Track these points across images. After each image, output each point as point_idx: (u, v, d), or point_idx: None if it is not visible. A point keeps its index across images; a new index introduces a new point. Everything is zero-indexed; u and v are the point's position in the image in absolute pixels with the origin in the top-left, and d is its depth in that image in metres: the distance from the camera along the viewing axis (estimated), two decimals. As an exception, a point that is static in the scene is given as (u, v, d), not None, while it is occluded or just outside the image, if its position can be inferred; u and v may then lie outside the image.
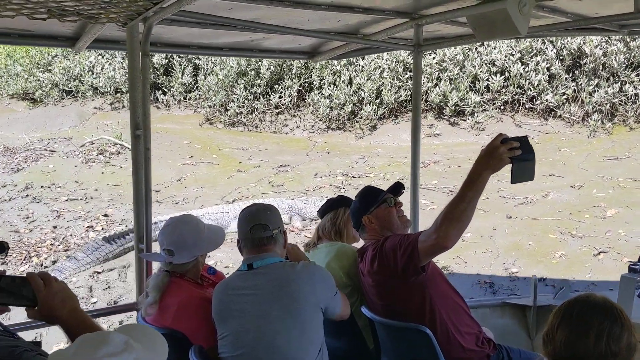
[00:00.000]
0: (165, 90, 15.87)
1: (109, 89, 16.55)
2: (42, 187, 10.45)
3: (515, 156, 2.16)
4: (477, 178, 2.21)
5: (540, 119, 12.69)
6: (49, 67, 18.15)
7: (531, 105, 12.79)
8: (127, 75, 15.20)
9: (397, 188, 2.92)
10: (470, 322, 2.70)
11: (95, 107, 16.69)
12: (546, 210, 7.89)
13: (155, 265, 3.01)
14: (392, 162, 11.13)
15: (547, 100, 12.46)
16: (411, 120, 4.19)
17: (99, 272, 6.85)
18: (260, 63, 14.36)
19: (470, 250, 7.12)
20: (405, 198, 3.12)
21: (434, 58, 13.34)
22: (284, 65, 14.41)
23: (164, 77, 16.01)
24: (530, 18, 2.95)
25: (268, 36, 3.71)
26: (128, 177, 10.88)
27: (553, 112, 12.61)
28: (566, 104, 12.40)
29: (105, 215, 8.92)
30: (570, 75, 12.66)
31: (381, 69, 13.53)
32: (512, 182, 2.24)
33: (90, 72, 17.04)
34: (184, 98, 15.58)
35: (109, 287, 6.51)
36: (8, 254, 7.39)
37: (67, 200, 9.66)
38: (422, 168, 10.42)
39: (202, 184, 10.37)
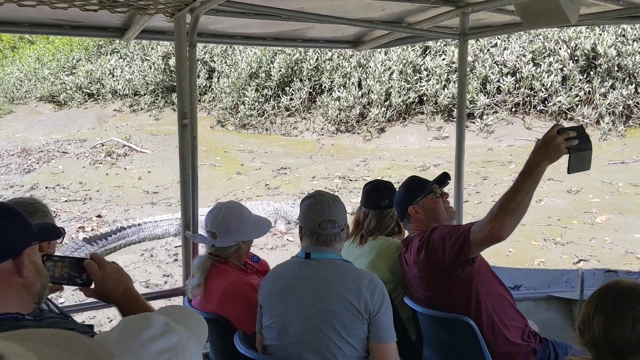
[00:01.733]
0: (181, 92, 16.06)
1: (128, 91, 16.89)
2: (46, 187, 10.72)
3: (572, 146, 2.13)
4: (534, 169, 2.19)
5: (552, 121, 12.30)
6: (74, 71, 18.65)
7: (543, 107, 12.44)
8: (145, 78, 15.50)
9: (443, 179, 2.88)
10: (516, 315, 2.66)
11: (114, 110, 17.05)
12: (536, 216, 7.63)
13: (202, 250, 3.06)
14: (392, 165, 10.98)
15: (559, 102, 12.10)
16: (456, 112, 4.13)
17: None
18: (271, 65, 14.41)
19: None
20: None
21: (443, 59, 13.12)
22: (295, 67, 14.42)
23: (180, 79, 16.21)
24: (581, 6, 2.88)
25: (312, 26, 3.71)
26: (131, 178, 11.11)
27: (565, 115, 12.23)
28: (579, 106, 12.01)
29: (99, 216, 9.07)
30: (584, 76, 12.26)
31: (390, 70, 13.38)
32: (569, 172, 2.21)
33: (111, 75, 17.42)
34: (198, 100, 15.75)
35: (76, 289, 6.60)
36: None
37: (66, 201, 9.87)
38: (421, 171, 10.30)
39: (200, 185, 10.40)
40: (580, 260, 6.33)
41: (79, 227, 8.60)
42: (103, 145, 13.07)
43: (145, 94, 16.50)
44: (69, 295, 5.93)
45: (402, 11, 3.55)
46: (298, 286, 2.29)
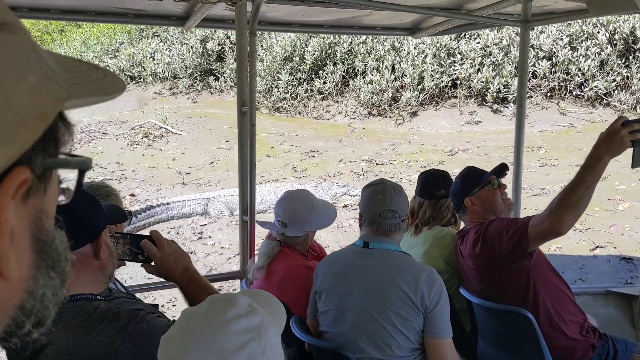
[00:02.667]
0: (218, 75, 16.38)
1: (167, 74, 17.28)
2: (86, 167, 11.15)
3: (636, 139, 2.10)
4: (596, 163, 2.15)
5: (588, 106, 12.07)
6: (117, 54, 19.17)
7: (579, 92, 12.19)
8: (184, 62, 15.82)
9: (501, 170, 2.83)
10: (575, 310, 2.62)
11: (155, 92, 17.49)
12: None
13: (261, 234, 3.20)
14: (421, 150, 10.99)
15: (596, 87, 11.84)
16: (516, 100, 4.07)
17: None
18: (305, 48, 14.52)
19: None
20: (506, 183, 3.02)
21: (478, 43, 12.98)
22: (329, 50, 14.49)
23: (217, 63, 16.52)
24: (650, -8, 2.79)
25: (370, 13, 3.67)
26: (165, 159, 11.47)
27: (602, 100, 11.97)
28: (616, 91, 11.73)
29: (132, 195, 9.44)
30: (623, 61, 11.95)
31: (424, 54, 13.31)
32: (633, 167, 2.19)
33: (151, 59, 17.84)
34: (234, 83, 16.00)
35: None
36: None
37: (102, 179, 10.27)
38: (449, 156, 10.31)
39: (230, 167, 10.69)
40: (597, 247, 6.29)
41: (113, 205, 8.98)
42: (141, 127, 13.48)
43: (183, 77, 16.86)
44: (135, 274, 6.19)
45: (462, -3, 3.43)
46: (356, 274, 2.28)
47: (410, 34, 4.32)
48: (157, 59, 17.60)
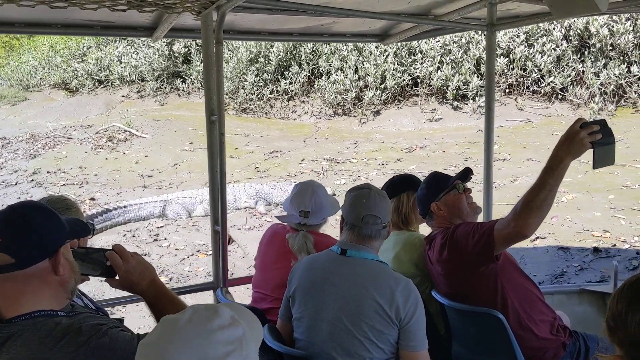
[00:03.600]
0: (185, 77, 16.44)
1: (135, 77, 17.29)
2: (48, 172, 11.18)
3: (596, 140, 2.10)
4: (558, 165, 2.15)
5: (545, 102, 12.35)
6: (84, 58, 19.12)
7: (536, 88, 12.46)
8: (151, 65, 15.85)
9: (466, 174, 2.83)
10: (544, 309, 2.61)
11: (122, 96, 17.49)
12: (506, 195, 7.79)
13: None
14: (380, 148, 11.17)
15: (552, 82, 12.12)
16: (485, 102, 4.12)
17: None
18: (270, 50, 14.64)
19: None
20: (474, 186, 3.08)
21: (437, 41, 13.20)
22: (294, 51, 14.63)
23: (184, 65, 16.57)
24: (611, -7, 2.76)
25: (338, 20, 3.70)
26: (128, 162, 11.51)
27: (558, 95, 12.25)
28: (571, 86, 12.01)
29: (92, 199, 9.49)
30: (578, 56, 12.23)
31: (387, 53, 13.50)
32: (594, 168, 2.20)
33: (118, 62, 17.83)
34: (201, 85, 16.08)
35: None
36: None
37: (63, 184, 10.31)
38: (407, 153, 10.50)
39: (193, 169, 10.79)
40: (538, 237, 6.50)
41: (72, 210, 9.02)
42: (106, 131, 13.50)
43: (150, 80, 16.89)
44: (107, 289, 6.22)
45: (428, 3, 3.52)
46: (332, 283, 2.25)
47: (380, 41, 4.38)
48: (124, 62, 17.60)
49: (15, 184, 10.60)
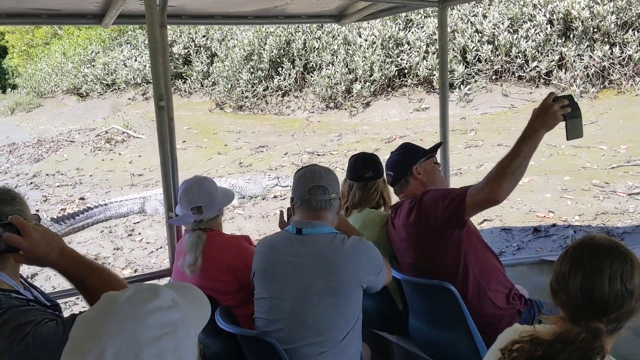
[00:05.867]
0: (186, 78, 16.89)
1: (139, 80, 17.83)
2: (47, 175, 11.73)
3: (567, 114, 2.23)
4: (532, 134, 2.27)
5: (531, 87, 12.39)
6: (93, 63, 19.76)
7: (521, 74, 12.51)
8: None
9: (437, 147, 2.97)
10: (503, 279, 2.69)
11: (129, 98, 18.05)
12: (467, 181, 7.97)
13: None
14: (362, 139, 11.40)
15: (537, 67, 12.16)
16: (439, 82, 4.15)
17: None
18: (263, 48, 14.97)
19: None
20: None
21: (424, 32, 13.33)
22: (287, 47, 14.93)
23: (184, 66, 17.02)
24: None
25: (292, 1, 3.65)
26: (122, 163, 11.99)
27: (543, 80, 12.28)
28: (556, 70, 12.04)
29: (82, 198, 9.96)
30: (563, 40, 12.24)
31: (375, 45, 13.70)
32: (568, 139, 2.30)
33: (123, 65, 18.40)
34: (201, 85, 16.53)
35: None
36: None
37: (58, 186, 10.83)
38: (386, 143, 10.71)
39: (181, 166, 11.13)
40: (485, 220, 6.69)
41: (61, 209, 9.51)
42: (106, 133, 14.03)
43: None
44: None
45: (382, -19, 3.41)
46: (291, 262, 2.28)
47: (336, 21, 4.34)
48: (129, 66, 18.15)
49: (15, 187, 11.17)
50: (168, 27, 3.13)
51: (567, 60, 11.86)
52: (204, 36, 16.74)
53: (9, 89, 26.42)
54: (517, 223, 6.54)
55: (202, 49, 16.84)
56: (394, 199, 3.08)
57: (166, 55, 3.02)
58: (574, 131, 2.28)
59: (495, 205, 2.40)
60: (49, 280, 6.16)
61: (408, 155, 2.89)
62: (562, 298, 1.54)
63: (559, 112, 2.22)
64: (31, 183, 11.34)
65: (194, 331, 1.10)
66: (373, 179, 3.08)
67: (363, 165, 3.09)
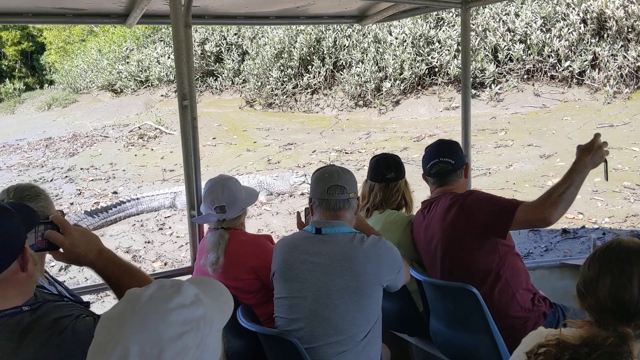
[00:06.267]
0: (217, 75, 17.09)
1: (171, 77, 18.09)
2: (81, 169, 12.02)
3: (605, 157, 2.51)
4: (582, 168, 2.43)
5: (563, 87, 12.24)
6: (127, 60, 20.12)
7: (554, 73, 12.37)
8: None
9: None
10: (528, 281, 2.73)
11: (161, 95, 18.33)
12: (496, 181, 7.95)
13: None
14: (391, 137, 11.42)
15: (569, 67, 12.01)
16: (461, 82, 4.10)
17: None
18: (293, 46, 15.07)
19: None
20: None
21: (455, 30, 13.27)
22: (317, 45, 15.01)
23: (216, 64, 17.22)
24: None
25: (314, 1, 3.68)
26: (154, 158, 12.23)
27: (576, 79, 12.12)
28: (588, 70, 11.87)
29: (115, 192, 10.19)
30: (597, 39, 12.06)
31: (405, 44, 13.69)
32: (607, 180, 2.58)
33: (157, 62, 18.69)
34: (232, 83, 16.72)
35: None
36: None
37: (92, 180, 11.09)
38: (415, 142, 10.71)
39: (211, 163, 11.36)
40: (512, 221, 6.65)
41: (95, 203, 9.75)
42: (139, 129, 14.30)
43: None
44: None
45: (404, -18, 3.45)
46: (311, 262, 2.29)
47: (357, 22, 4.33)
48: (162, 63, 18.44)
49: (51, 180, 11.48)
50: (195, 26, 3.11)
51: (601, 60, 11.70)
52: (235, 34, 16.93)
53: (47, 85, 27.03)
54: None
55: (233, 46, 17.02)
56: (418, 199, 3.08)
57: (190, 55, 3.04)
58: (607, 173, 2.53)
59: (545, 226, 2.51)
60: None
61: (462, 151, 2.91)
62: (589, 302, 1.51)
63: (605, 155, 2.44)
64: (66, 177, 11.63)
65: (217, 327, 1.09)
66: (395, 180, 3.06)
67: (386, 166, 3.07)
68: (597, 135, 2.45)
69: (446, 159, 2.82)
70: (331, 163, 10.34)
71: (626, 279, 1.46)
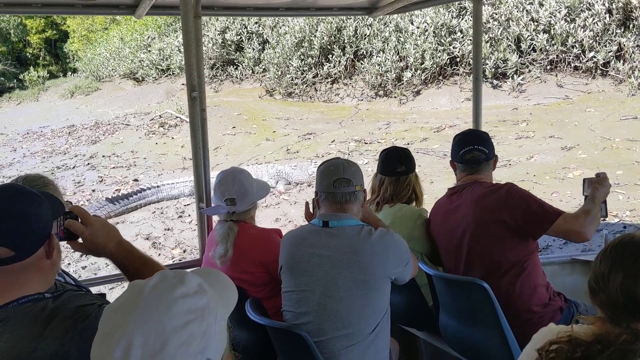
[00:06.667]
0: (237, 64, 17.13)
1: (192, 66, 18.16)
2: (103, 156, 12.17)
3: None
4: (598, 201, 2.69)
5: (587, 78, 12.06)
6: (149, 48, 20.24)
7: (577, 64, 12.18)
8: (206, 54, 16.65)
9: None
10: (545, 276, 2.75)
11: (182, 84, 18.39)
12: (517, 173, 7.88)
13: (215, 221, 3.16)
14: (411, 128, 11.36)
15: (594, 57, 11.82)
16: (472, 74, 4.09)
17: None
18: (313, 35, 15.03)
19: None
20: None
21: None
22: (338, 34, 14.96)
23: (236, 52, 17.26)
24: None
25: None
26: (175, 147, 12.33)
27: (600, 70, 11.93)
28: (613, 61, 11.68)
29: (136, 180, 10.31)
30: (622, 30, 11.85)
31: (427, 33, 13.57)
32: (606, 216, 2.81)
33: (178, 51, 18.77)
34: (252, 72, 16.74)
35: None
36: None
37: (113, 167, 11.23)
38: (435, 132, 10.64)
39: (230, 152, 11.43)
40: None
41: (116, 190, 9.88)
42: (160, 117, 14.41)
43: (205, 68, 17.69)
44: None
45: (416, -27, 3.49)
46: (319, 255, 2.29)
47: (368, 13, 4.28)
48: (183, 52, 18.48)
49: (73, 167, 11.65)
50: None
51: (626, 51, 11.50)
52: (256, 22, 16.92)
53: (70, 73, 27.31)
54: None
55: (254, 35, 17.02)
56: (438, 190, 3.06)
57: (200, 46, 3.01)
58: (607, 210, 2.79)
59: (579, 241, 2.71)
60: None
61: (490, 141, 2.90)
62: (601, 298, 1.49)
63: (609, 187, 2.78)
64: (88, 164, 11.79)
65: (221, 316, 1.09)
66: (405, 174, 3.03)
67: (397, 159, 3.05)
68: (602, 175, 2.79)
69: (480, 147, 2.79)
70: (351, 152, 10.34)
71: (638, 274, 1.44)
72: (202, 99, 3.02)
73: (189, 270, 1.17)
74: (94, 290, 2.16)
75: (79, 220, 1.65)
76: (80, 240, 1.67)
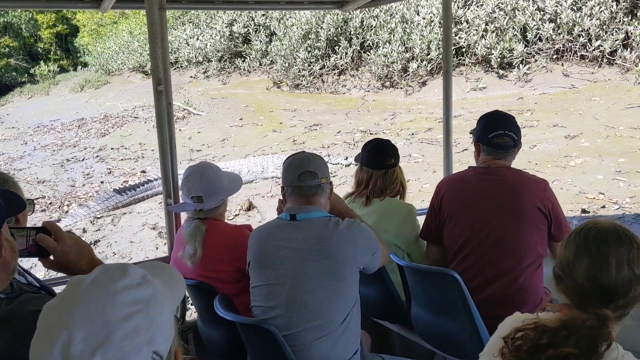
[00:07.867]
0: (245, 57, 17.21)
1: (200, 58, 18.29)
2: (112, 149, 12.33)
3: None
4: None
5: (594, 67, 12.01)
6: (157, 42, 20.35)
7: (584, 53, 12.14)
8: (214, 46, 16.75)
9: None
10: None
11: (190, 77, 18.56)
12: (519, 161, 7.86)
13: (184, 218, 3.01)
14: (416, 118, 11.40)
15: (599, 46, 11.77)
16: (442, 67, 4.01)
17: (97, 217, 8.31)
18: (320, 26, 15.08)
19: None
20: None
21: (483, 10, 13.10)
22: (344, 26, 15.00)
23: (244, 45, 17.34)
24: None
25: None
26: (182, 138, 12.44)
27: (607, 59, 11.88)
28: (619, 50, 11.62)
29: (143, 171, 10.45)
30: (629, 18, 11.79)
31: (433, 24, 13.58)
32: None
33: (186, 44, 18.89)
34: (260, 64, 16.82)
35: (98, 230, 7.92)
36: (51, 202, 9.14)
37: (122, 159, 11.38)
38: (439, 123, 10.66)
39: (237, 143, 11.53)
40: (533, 202, 6.64)
41: (124, 181, 10.02)
42: (168, 110, 14.52)
43: (214, 61, 17.82)
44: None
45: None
46: (288, 247, 2.28)
47: (338, 7, 4.23)
48: (190, 45, 18.63)
49: (82, 160, 11.81)
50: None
51: (633, 40, 11.43)
52: (263, 15, 16.99)
53: (80, 67, 27.55)
54: (565, 204, 6.47)
55: (261, 27, 17.09)
56: (434, 182, 2.97)
57: (165, 38, 2.96)
58: None
59: None
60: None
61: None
62: (567, 285, 1.49)
63: None
64: (97, 156, 11.95)
65: (168, 307, 1.05)
66: (393, 166, 3.01)
67: (386, 153, 3.00)
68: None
69: (511, 133, 2.71)
70: (356, 143, 10.40)
71: (603, 260, 1.45)
72: (168, 92, 2.98)
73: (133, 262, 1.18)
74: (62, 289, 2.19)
75: (52, 236, 1.59)
76: (52, 257, 1.60)
